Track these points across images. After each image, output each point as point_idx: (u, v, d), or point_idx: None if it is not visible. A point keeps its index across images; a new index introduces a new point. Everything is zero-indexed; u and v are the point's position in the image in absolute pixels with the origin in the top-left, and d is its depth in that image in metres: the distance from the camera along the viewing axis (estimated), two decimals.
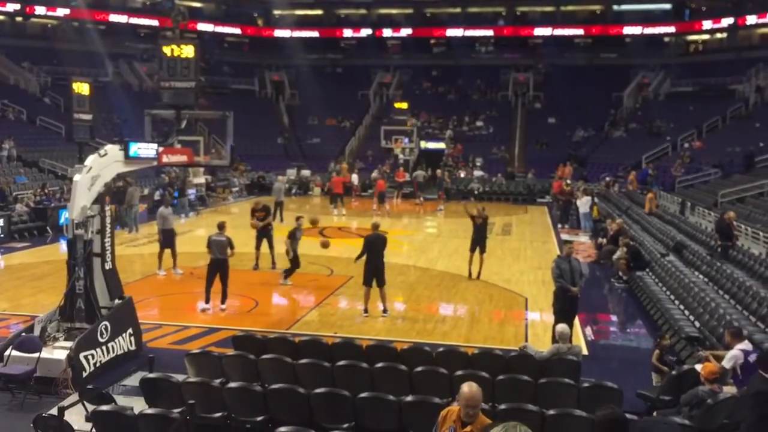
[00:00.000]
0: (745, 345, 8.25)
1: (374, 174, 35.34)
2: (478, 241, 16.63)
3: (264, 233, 17.17)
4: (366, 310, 13.26)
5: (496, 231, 24.73)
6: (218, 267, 13.21)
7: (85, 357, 9.39)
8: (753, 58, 41.36)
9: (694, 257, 16.20)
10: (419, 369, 7.99)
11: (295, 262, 15.72)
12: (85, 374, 9.28)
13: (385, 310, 13.31)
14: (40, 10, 45.72)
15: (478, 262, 16.70)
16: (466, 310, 14.23)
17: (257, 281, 16.15)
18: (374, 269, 13.24)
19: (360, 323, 12.90)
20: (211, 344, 10.98)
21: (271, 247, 17.27)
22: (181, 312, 13.44)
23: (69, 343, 9.52)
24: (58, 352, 9.47)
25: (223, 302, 13.35)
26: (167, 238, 16.63)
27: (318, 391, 7.17)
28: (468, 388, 5.01)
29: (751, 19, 43.28)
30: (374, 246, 13.34)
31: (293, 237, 15.60)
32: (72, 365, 9.14)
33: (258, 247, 17.16)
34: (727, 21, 44.71)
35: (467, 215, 17.06)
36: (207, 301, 13.33)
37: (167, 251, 16.61)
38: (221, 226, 13.54)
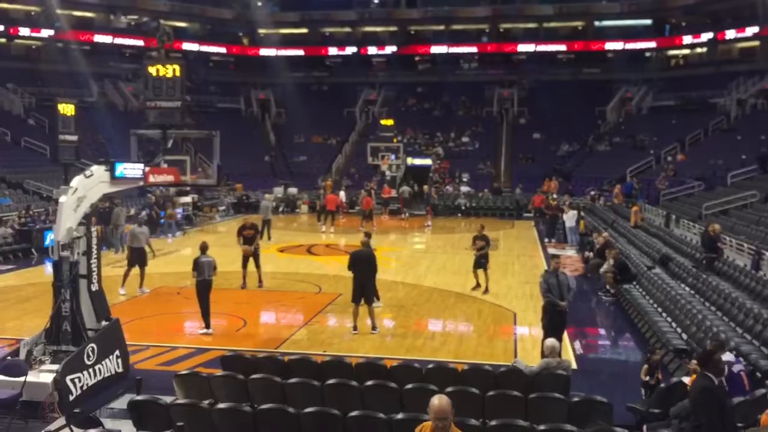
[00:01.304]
0: (728, 356, 8.30)
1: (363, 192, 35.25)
2: (479, 259, 16.95)
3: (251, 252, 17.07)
4: (355, 328, 13.21)
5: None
6: (208, 288, 13.11)
7: (72, 380, 9.28)
8: (733, 71, 41.89)
9: (680, 269, 16.30)
10: (409, 386, 7.96)
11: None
12: (71, 398, 9.17)
13: (374, 327, 13.26)
14: (24, 31, 45.68)
15: (483, 277, 16.95)
16: (455, 326, 14.22)
17: (245, 300, 16.06)
18: (360, 286, 13.22)
19: (349, 341, 12.84)
20: (200, 365, 10.88)
21: (258, 266, 17.17)
22: (169, 333, 13.34)
23: (55, 367, 9.41)
24: (44, 375, 9.35)
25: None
26: (137, 257, 16.51)
27: (308, 410, 7.12)
28: (438, 400, 4.99)
29: (730, 34, 43.91)
30: (359, 262, 13.34)
31: None
32: (58, 389, 9.03)
33: (245, 266, 17.04)
34: (706, 36, 45.33)
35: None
36: (208, 326, 13.13)
37: (134, 270, 16.44)
38: (205, 248, 13.43)
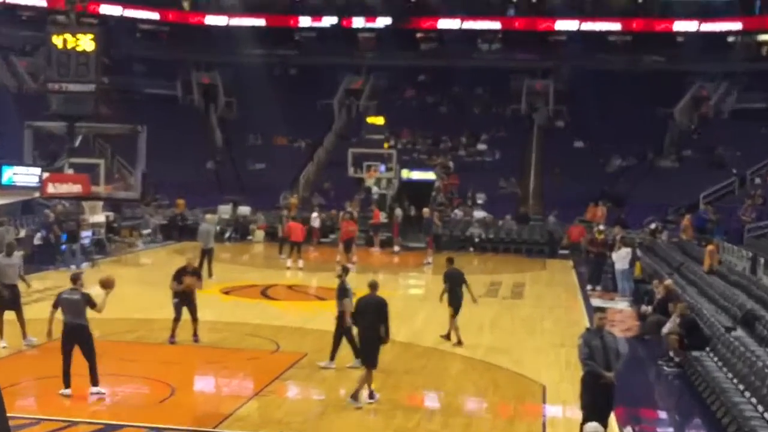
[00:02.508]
0: None
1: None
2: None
3: (185, 297, 16.90)
4: (371, 395, 13.51)
5: (503, 294, 24.84)
6: (75, 336, 13.11)
7: None
8: None
9: None
10: None
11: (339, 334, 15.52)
12: None
13: (353, 397, 13.33)
14: None
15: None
16: (462, 402, 14.19)
17: (174, 359, 15.98)
18: (361, 341, 13.90)
19: (315, 419, 12.80)
20: None
21: (194, 316, 16.96)
22: (68, 402, 13.22)
23: None
24: None
25: (95, 384, 13.26)
26: (8, 297, 16.12)
27: None
28: None
29: None
30: (361, 312, 13.91)
31: (345, 295, 15.25)
32: None
33: (178, 317, 16.84)
34: None
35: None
36: (67, 386, 13.16)
37: (10, 316, 16.15)
38: (76, 278, 13.53)
